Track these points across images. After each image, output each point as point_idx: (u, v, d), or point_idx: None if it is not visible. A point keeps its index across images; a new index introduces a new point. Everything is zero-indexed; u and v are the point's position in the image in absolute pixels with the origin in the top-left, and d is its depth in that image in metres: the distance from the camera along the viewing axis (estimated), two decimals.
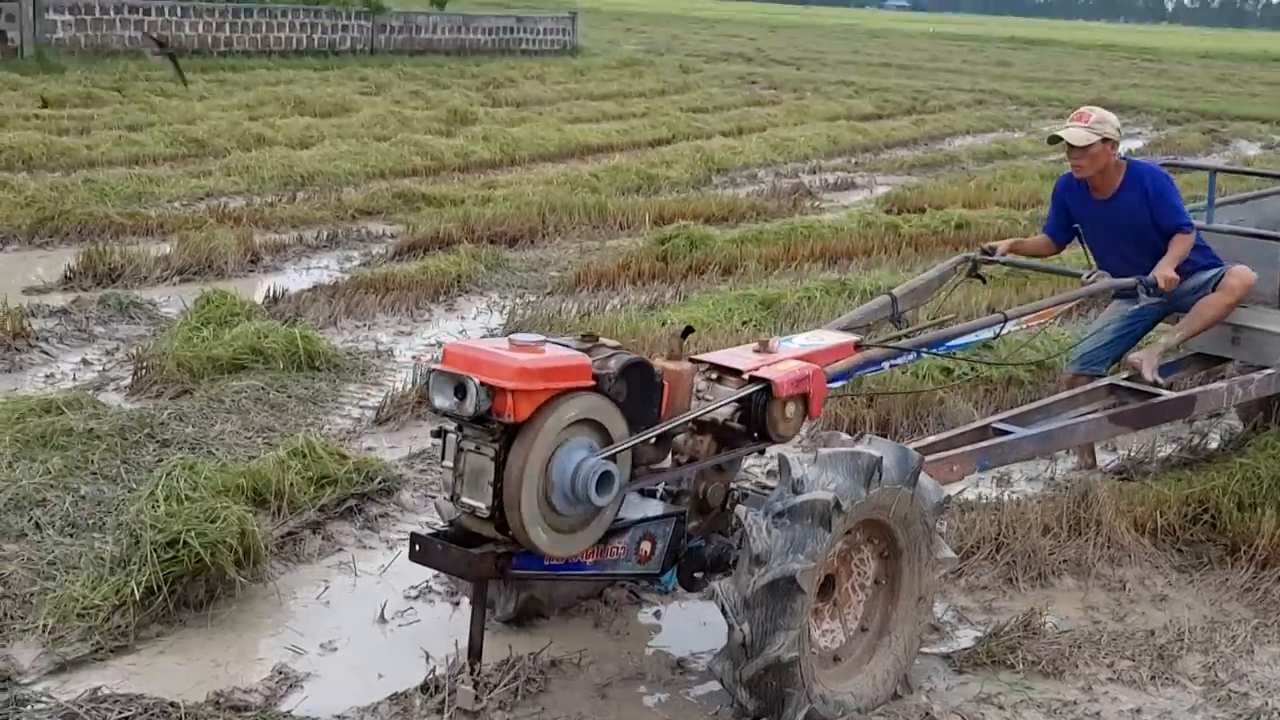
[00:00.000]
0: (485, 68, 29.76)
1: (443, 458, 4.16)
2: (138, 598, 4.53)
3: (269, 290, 9.13)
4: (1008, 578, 5.24)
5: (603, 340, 4.33)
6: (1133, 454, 6.71)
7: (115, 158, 14.53)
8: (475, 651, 4.24)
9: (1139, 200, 6.14)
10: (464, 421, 4.02)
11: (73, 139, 15.36)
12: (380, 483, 5.76)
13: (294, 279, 9.92)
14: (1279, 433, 6.30)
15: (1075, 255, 7.03)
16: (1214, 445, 6.85)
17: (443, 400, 4.03)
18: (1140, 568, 5.35)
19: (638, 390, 4.23)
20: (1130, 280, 5.96)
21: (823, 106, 25.41)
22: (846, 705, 4.16)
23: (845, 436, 4.35)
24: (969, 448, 5.13)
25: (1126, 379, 6.00)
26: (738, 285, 9.75)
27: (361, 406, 7.02)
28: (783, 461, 4.11)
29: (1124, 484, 5.98)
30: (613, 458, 4.11)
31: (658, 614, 4.93)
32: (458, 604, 4.89)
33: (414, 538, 4.25)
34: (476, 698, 4.14)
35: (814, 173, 17.36)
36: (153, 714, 3.97)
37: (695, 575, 4.53)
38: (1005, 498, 6.02)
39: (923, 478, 4.30)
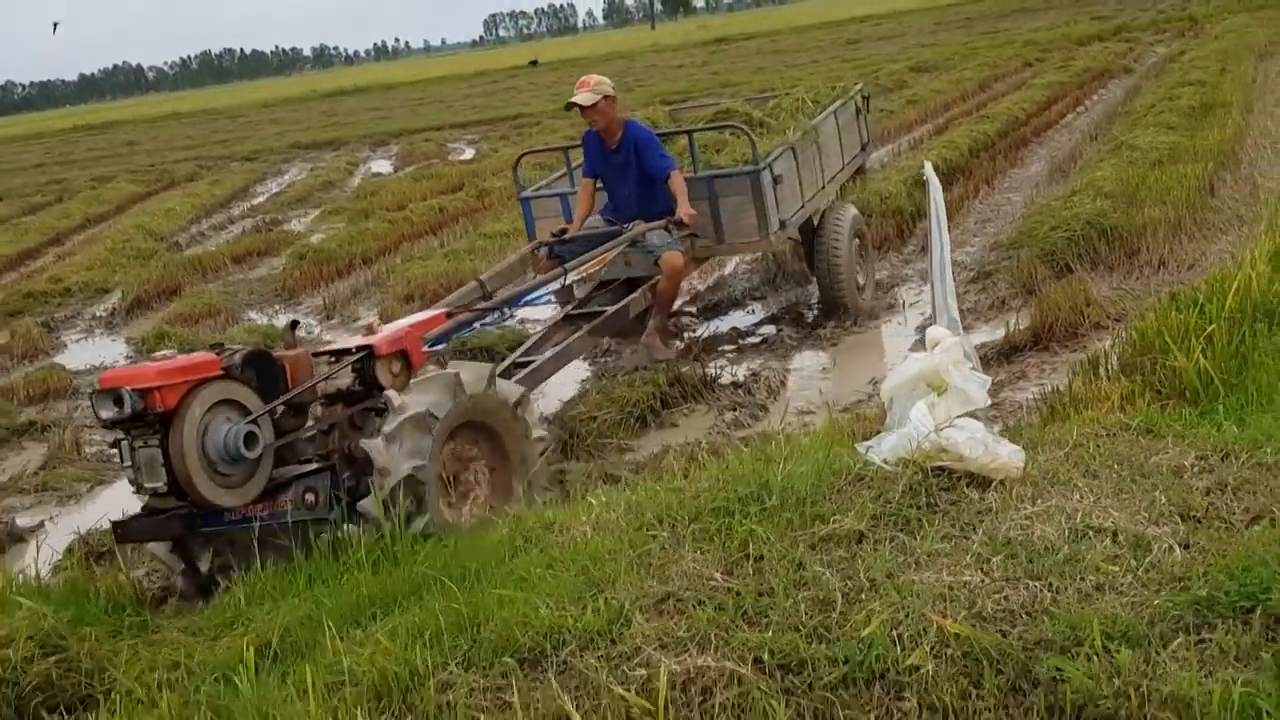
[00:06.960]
0: None
1: (123, 462, 5.06)
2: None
3: None
4: None
5: (228, 344, 5.43)
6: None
7: None
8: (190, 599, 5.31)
9: (630, 149, 7.87)
10: (129, 424, 4.98)
11: None
12: None
13: None
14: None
15: None
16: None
17: (107, 412, 4.94)
18: None
19: (264, 373, 5.33)
20: (660, 222, 7.67)
21: None
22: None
23: (432, 368, 5.58)
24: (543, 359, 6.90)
25: (575, 311, 7.90)
26: None
27: None
28: (388, 399, 5.25)
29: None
30: (254, 423, 5.15)
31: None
32: None
33: (114, 524, 5.19)
34: None
35: None
36: None
37: (357, 510, 5.20)
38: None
39: (501, 382, 5.61)
